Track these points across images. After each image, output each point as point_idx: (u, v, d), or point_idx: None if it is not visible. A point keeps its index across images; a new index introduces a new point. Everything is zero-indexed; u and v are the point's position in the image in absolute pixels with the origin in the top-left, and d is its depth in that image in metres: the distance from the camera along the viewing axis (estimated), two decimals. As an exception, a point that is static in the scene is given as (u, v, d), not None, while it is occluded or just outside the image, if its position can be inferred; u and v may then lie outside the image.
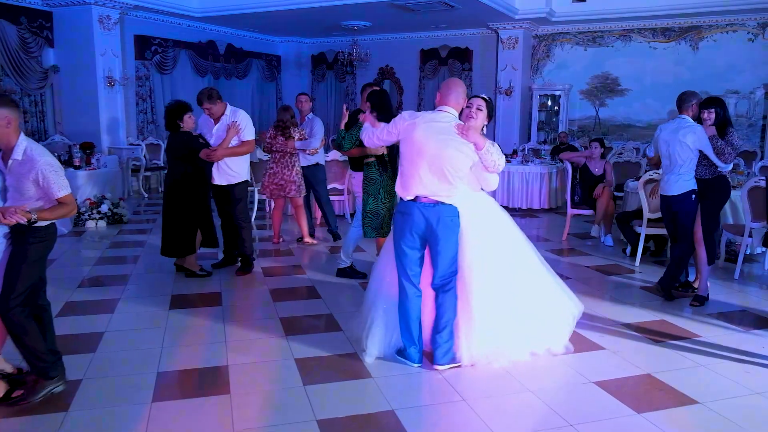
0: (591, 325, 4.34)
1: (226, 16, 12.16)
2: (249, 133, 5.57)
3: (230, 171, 5.57)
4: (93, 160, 8.44)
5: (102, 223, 8.02)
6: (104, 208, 8.07)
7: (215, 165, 5.50)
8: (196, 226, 5.50)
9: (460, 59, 13.60)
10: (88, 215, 7.99)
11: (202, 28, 13.04)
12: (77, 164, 8.24)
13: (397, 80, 14.56)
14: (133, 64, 11.66)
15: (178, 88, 12.53)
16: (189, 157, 5.31)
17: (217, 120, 5.47)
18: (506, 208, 3.62)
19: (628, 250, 6.53)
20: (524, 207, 9.44)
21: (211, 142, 5.42)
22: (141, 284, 5.35)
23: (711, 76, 11.34)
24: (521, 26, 12.27)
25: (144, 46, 11.82)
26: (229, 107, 5.55)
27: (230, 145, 5.40)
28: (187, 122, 5.33)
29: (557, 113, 12.87)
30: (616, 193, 7.50)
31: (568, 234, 7.45)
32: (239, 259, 5.79)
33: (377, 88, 5.20)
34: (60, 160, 8.33)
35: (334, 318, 4.47)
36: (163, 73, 12.30)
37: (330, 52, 15.08)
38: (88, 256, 6.44)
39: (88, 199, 8.11)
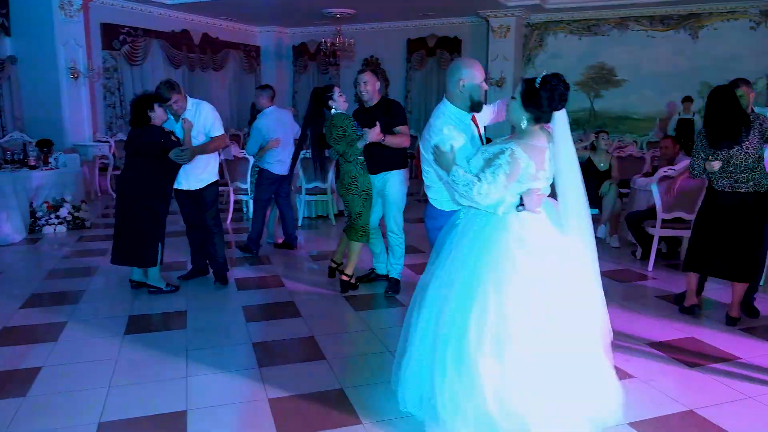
0: (613, 344, 3.75)
1: (201, 4, 11.45)
2: (218, 127, 4.92)
3: (200, 173, 4.91)
4: (51, 159, 7.67)
5: (61, 229, 7.31)
6: (64, 212, 7.34)
7: (183, 168, 4.82)
8: (163, 233, 4.82)
9: (448, 49, 12.98)
10: (46, 220, 7.26)
11: (175, 17, 12.27)
12: (33, 164, 7.48)
13: (383, 71, 13.89)
14: (100, 54, 10.88)
15: (150, 80, 11.73)
16: (161, 155, 4.60)
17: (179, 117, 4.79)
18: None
19: (639, 252, 5.97)
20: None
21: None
22: (96, 302, 4.67)
23: (711, 66, 10.83)
24: (513, 14, 11.68)
25: (111, 35, 11.03)
26: (190, 100, 4.87)
27: (198, 143, 4.75)
28: (159, 113, 4.63)
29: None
30: (621, 190, 6.94)
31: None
32: (212, 270, 5.14)
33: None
34: (13, 159, 7.71)
35: (316, 342, 3.84)
36: (133, 64, 11.53)
37: (312, 42, 14.39)
38: (39, 268, 5.73)
39: (46, 202, 7.37)
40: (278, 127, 6.07)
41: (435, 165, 2.95)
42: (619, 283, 5.25)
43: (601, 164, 6.80)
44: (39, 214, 7.26)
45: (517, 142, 2.62)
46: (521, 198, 2.65)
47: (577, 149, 7.37)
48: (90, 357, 3.62)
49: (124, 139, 10.67)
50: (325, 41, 12.73)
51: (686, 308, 4.40)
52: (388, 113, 4.65)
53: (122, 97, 11.30)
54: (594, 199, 6.74)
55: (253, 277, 5.37)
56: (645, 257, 5.76)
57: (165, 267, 5.01)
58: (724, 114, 3.97)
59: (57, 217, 7.31)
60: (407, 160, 4.93)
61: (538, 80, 2.60)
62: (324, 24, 13.22)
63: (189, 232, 5.16)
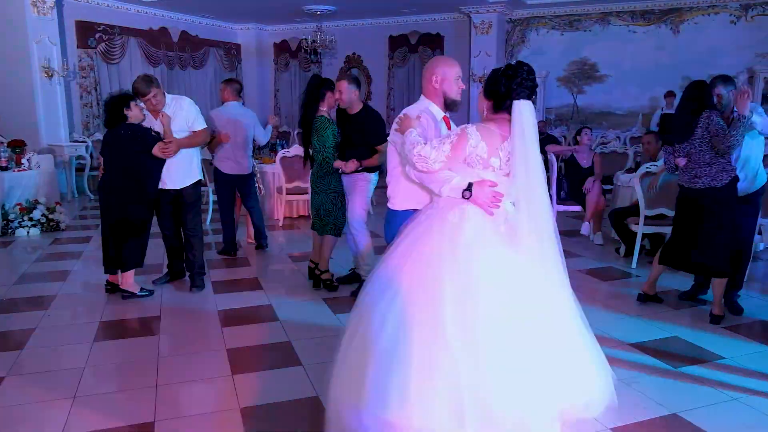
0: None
1: (179, 0, 11.23)
2: (200, 121, 4.79)
3: (182, 171, 4.76)
4: (24, 160, 7.48)
5: (35, 231, 7.11)
6: (37, 214, 7.15)
7: (164, 167, 4.67)
8: (147, 235, 4.68)
9: (431, 46, 12.88)
10: (18, 223, 7.07)
11: (152, 14, 12.04)
12: (4, 165, 7.28)
13: (365, 68, 13.77)
14: (75, 52, 10.64)
15: (128, 79, 11.47)
16: (142, 153, 4.44)
17: (158, 113, 4.64)
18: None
19: (622, 249, 5.93)
20: (504, 202, 8.79)
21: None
22: (67, 308, 4.52)
23: (693, 61, 10.83)
24: (495, 9, 11.60)
25: (87, 33, 10.79)
26: (168, 96, 4.73)
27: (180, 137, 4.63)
28: (135, 111, 4.46)
29: (534, 102, 12.23)
30: (603, 186, 6.89)
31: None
32: (188, 274, 5.01)
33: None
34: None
35: (292, 348, 3.72)
36: (110, 62, 11.30)
37: (293, 39, 14.21)
38: (9, 272, 5.55)
39: (18, 204, 7.18)
40: (229, 124, 5.73)
41: (395, 135, 2.86)
42: (602, 282, 5.19)
43: (584, 161, 6.74)
44: (11, 216, 7.07)
45: (473, 123, 2.51)
46: (470, 185, 2.42)
47: (564, 150, 7.20)
48: (56, 366, 3.48)
49: (101, 138, 10.55)
50: (305, 38, 12.58)
51: (641, 294, 4.54)
52: (368, 129, 4.67)
53: (99, 96, 11.04)
54: (576, 195, 6.70)
55: (231, 280, 5.24)
56: (629, 254, 5.72)
57: (140, 270, 4.86)
58: (676, 112, 4.16)
59: (30, 219, 7.12)
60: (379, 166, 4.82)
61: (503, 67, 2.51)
62: (305, 21, 13.06)
63: (166, 233, 5.01)
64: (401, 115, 2.88)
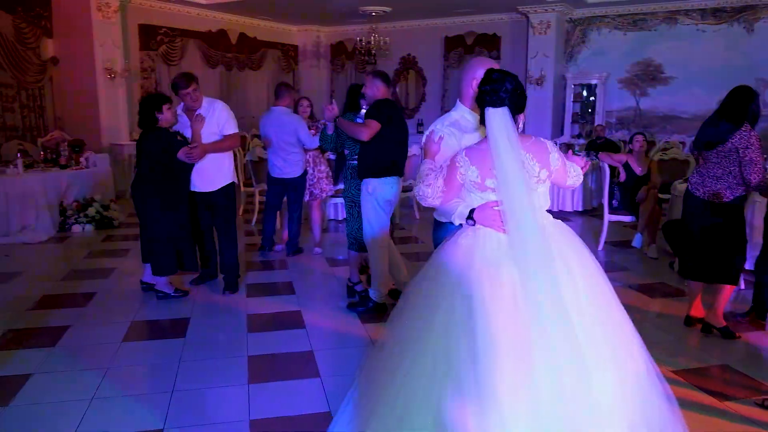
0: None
1: (237, 3, 11.44)
2: (232, 125, 4.81)
3: (212, 174, 4.80)
4: (82, 159, 7.78)
5: (90, 227, 7.38)
6: (92, 211, 7.42)
7: (195, 168, 4.73)
8: (183, 239, 4.73)
9: (487, 46, 12.60)
10: (75, 219, 7.35)
11: (212, 17, 12.32)
12: (64, 163, 7.60)
13: (419, 70, 13.64)
14: (137, 55, 11.02)
15: (187, 80, 11.85)
16: (169, 158, 4.51)
17: (193, 112, 4.71)
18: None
19: (677, 264, 5.55)
20: (555, 209, 8.47)
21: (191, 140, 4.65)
22: (104, 306, 4.62)
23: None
24: (554, 9, 11.22)
25: (149, 36, 11.16)
26: (205, 99, 4.78)
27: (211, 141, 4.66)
28: (167, 115, 4.54)
29: (593, 104, 11.78)
30: (661, 196, 6.50)
31: (605, 243, 6.49)
32: (221, 276, 5.04)
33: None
34: (47, 159, 7.84)
35: (314, 358, 3.66)
36: (170, 64, 11.63)
37: (350, 41, 14.22)
38: (58, 267, 5.76)
39: (75, 201, 7.47)
40: (272, 129, 5.81)
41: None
42: (651, 299, 4.88)
43: (638, 169, 6.37)
44: (69, 212, 7.36)
45: (468, 147, 2.34)
46: (471, 212, 2.27)
47: (616, 159, 6.75)
48: (81, 365, 3.54)
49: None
50: (360, 40, 12.56)
51: (687, 318, 4.20)
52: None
53: (159, 96, 11.39)
54: (630, 205, 6.35)
55: (265, 283, 5.24)
56: (683, 269, 5.35)
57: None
58: (714, 114, 3.86)
59: (85, 215, 7.39)
60: (384, 168, 4.24)
61: None
62: (361, 22, 13.05)
63: (200, 234, 5.06)
64: (427, 132, 2.73)
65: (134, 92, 10.98)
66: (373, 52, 12.68)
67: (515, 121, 2.23)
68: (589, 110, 11.88)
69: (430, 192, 2.35)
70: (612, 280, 2.30)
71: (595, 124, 10.98)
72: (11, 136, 9.54)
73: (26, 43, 9.63)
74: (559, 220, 2.35)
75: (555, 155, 2.31)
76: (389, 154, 4.24)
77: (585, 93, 11.94)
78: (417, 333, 2.14)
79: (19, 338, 3.95)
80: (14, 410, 3.01)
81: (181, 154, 4.48)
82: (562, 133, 11.71)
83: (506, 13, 12.12)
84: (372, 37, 12.48)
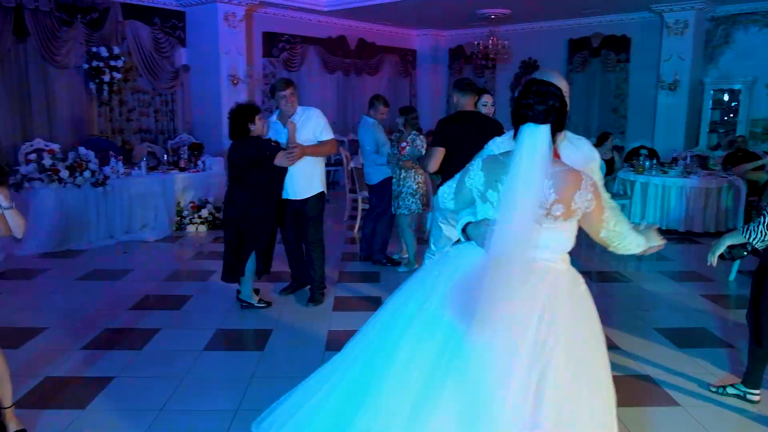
0: None
1: (355, 9, 11.56)
2: (327, 132, 4.81)
3: (305, 181, 4.80)
4: (199, 162, 8.22)
5: (203, 228, 7.78)
6: (205, 212, 7.81)
7: (288, 175, 4.75)
8: (271, 246, 4.80)
9: (615, 49, 11.73)
10: (190, 219, 7.77)
11: (332, 23, 12.59)
12: (183, 166, 8.07)
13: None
14: (260, 61, 11.51)
15: (305, 85, 12.21)
16: (263, 165, 4.57)
17: (287, 118, 4.76)
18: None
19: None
20: (682, 230, 7.64)
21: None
22: (195, 311, 4.78)
23: None
24: (693, 7, 10.16)
25: (272, 43, 11.62)
26: (300, 106, 4.80)
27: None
28: (258, 125, 4.61)
29: (736, 112, 10.54)
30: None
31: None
32: (308, 286, 5.03)
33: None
34: (167, 161, 8.37)
35: (383, 385, 3.48)
36: (290, 70, 12.02)
37: (469, 45, 13.90)
38: (165, 268, 6.07)
39: (192, 202, 7.90)
40: (358, 137, 6.47)
41: None
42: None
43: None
44: (185, 213, 7.80)
45: (493, 154, 2.18)
46: (464, 226, 2.12)
47: (750, 171, 5.98)
48: (159, 373, 3.64)
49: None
50: (477, 43, 12.21)
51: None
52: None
53: (278, 101, 11.81)
54: None
55: (352, 297, 5.16)
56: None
57: (267, 278, 5.00)
58: None
59: (199, 216, 7.79)
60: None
61: None
62: (480, 26, 12.70)
63: (288, 243, 5.08)
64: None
65: (257, 98, 11.47)
66: (491, 56, 12.28)
67: (553, 139, 1.96)
68: (729, 117, 10.65)
69: (446, 191, 2.25)
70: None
71: (737, 134, 9.81)
72: (145, 138, 10.33)
73: (162, 52, 10.38)
74: (577, 273, 2.08)
75: (587, 195, 1.95)
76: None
77: (726, 99, 10.72)
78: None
79: (112, 338, 4.16)
80: (89, 414, 3.14)
81: (281, 156, 4.51)
82: (696, 144, 10.61)
83: (637, 13, 11.20)
84: (490, 41, 12.09)
